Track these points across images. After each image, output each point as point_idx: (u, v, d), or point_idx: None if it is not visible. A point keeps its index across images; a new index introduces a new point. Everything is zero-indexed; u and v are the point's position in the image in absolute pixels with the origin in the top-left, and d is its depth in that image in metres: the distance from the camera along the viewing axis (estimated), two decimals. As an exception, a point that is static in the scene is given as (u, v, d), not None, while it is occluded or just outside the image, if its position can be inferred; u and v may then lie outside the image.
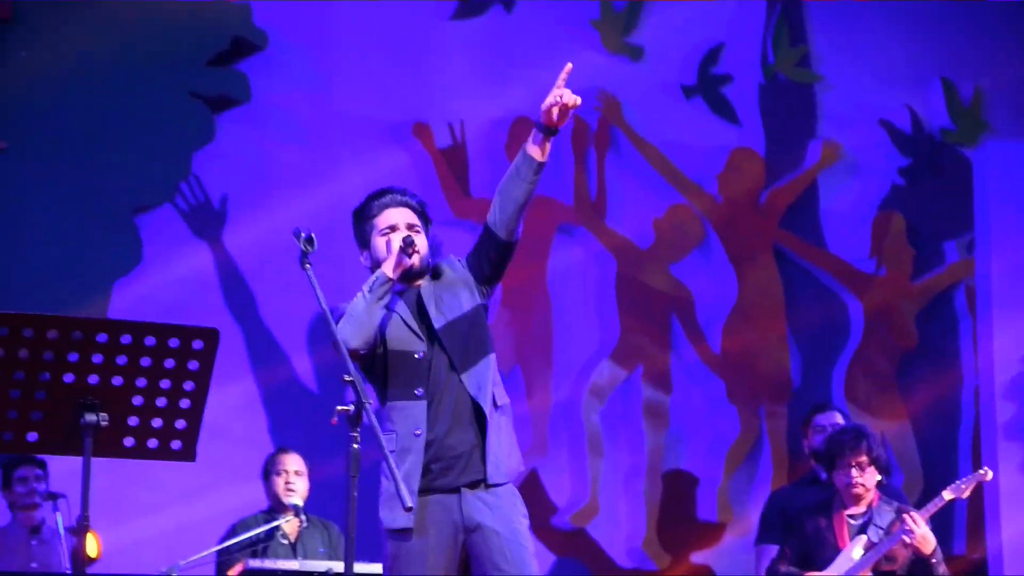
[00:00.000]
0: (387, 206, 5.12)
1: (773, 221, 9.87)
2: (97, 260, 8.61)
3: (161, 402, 4.67)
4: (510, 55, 9.50)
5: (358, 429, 4.69)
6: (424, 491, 4.88)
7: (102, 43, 8.67)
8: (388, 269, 4.93)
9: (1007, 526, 8.71)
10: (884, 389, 9.80)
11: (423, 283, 5.06)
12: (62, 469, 7.47)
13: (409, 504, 4.57)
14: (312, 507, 7.79)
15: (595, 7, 9.69)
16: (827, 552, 6.90)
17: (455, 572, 4.94)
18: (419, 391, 4.91)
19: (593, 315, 9.58)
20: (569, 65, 4.86)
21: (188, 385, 4.70)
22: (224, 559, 7.40)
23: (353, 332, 4.83)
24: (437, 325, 4.95)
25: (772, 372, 9.74)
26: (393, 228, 5.06)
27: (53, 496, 7.54)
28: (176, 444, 4.72)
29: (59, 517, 7.48)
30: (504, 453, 4.94)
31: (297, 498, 7.57)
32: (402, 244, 4.94)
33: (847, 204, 9.95)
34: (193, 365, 4.68)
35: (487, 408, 4.91)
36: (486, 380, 4.95)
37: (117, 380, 4.60)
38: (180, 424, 4.71)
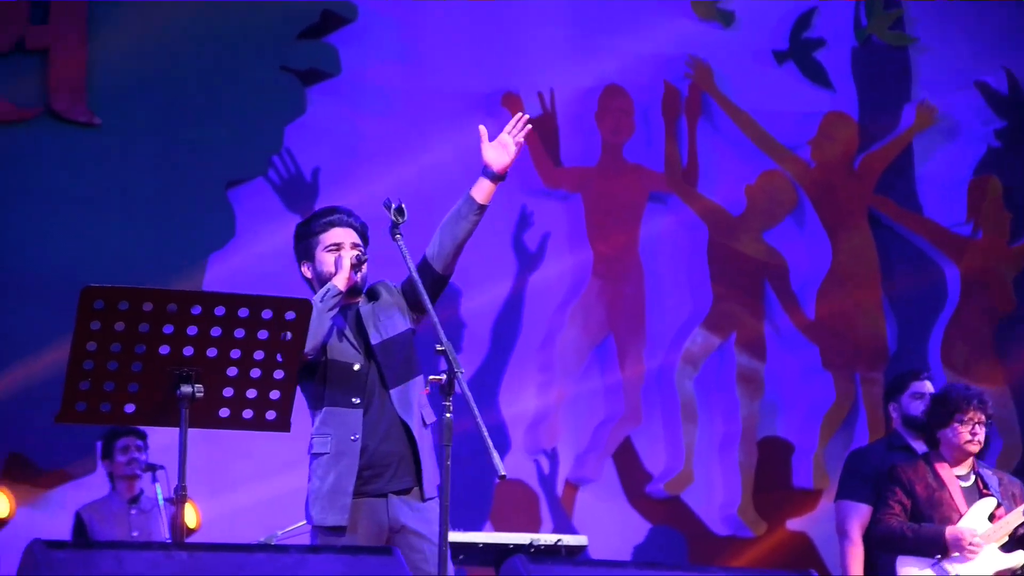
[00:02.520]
0: (333, 224, 5.34)
1: (868, 186, 9.79)
2: (191, 234, 8.68)
3: (255, 373, 4.72)
4: (600, 23, 9.47)
5: (451, 398, 4.72)
6: (356, 494, 5.07)
7: (194, 18, 8.73)
8: (340, 282, 5.16)
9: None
10: (982, 353, 9.70)
11: (361, 301, 5.29)
12: (160, 441, 7.55)
13: (503, 472, 4.59)
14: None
15: (685, -26, 9.64)
16: (942, 511, 6.80)
17: None
18: (356, 399, 5.11)
19: (685, 283, 9.55)
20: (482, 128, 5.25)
21: (281, 356, 4.74)
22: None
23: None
24: (374, 341, 5.18)
25: (868, 338, 9.68)
26: (339, 246, 5.28)
27: (152, 467, 7.62)
28: (270, 414, 4.77)
29: (158, 488, 7.56)
30: (433, 469, 5.16)
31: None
32: (354, 261, 5.19)
33: (943, 168, 9.85)
34: (286, 336, 4.73)
35: (414, 424, 5.13)
36: (413, 399, 5.18)
37: (212, 351, 4.65)
38: (274, 394, 4.76)
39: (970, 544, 6.65)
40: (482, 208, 5.28)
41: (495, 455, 4.63)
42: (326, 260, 5.27)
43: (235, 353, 4.68)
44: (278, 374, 4.74)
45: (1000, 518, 6.75)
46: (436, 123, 9.17)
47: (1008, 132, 9.91)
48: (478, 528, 8.70)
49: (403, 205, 5.07)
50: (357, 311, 5.25)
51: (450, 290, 9.06)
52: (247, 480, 8.46)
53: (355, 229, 5.34)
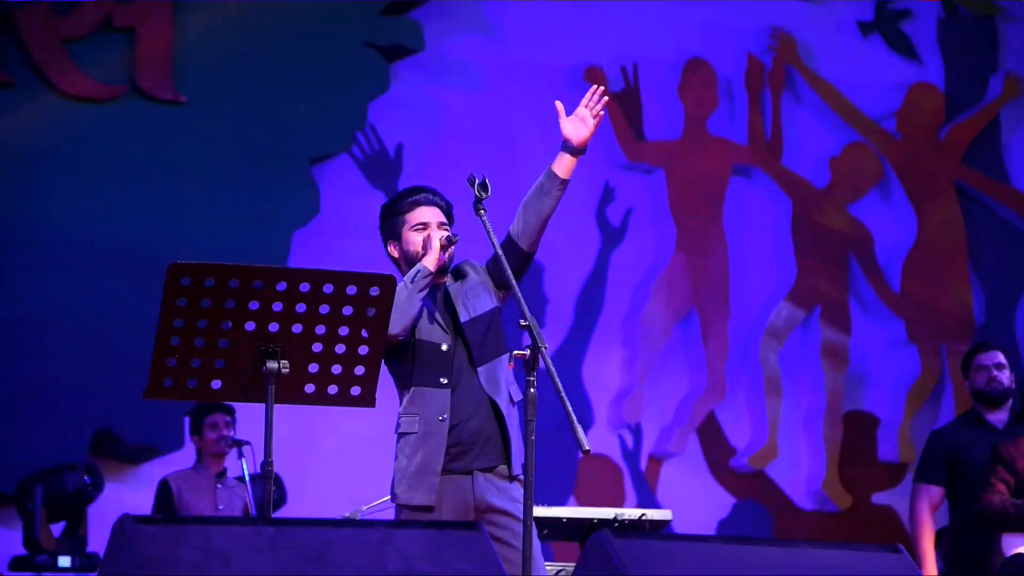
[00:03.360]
0: (419, 204, 5.30)
1: (954, 158, 9.70)
2: (276, 211, 8.74)
3: (340, 349, 4.73)
4: (683, -4, 9.45)
5: (534, 373, 4.72)
6: (443, 471, 5.08)
7: (277, -5, 8.79)
8: (430, 263, 5.13)
9: None
10: (1072, 325, 9.62)
11: (447, 281, 5.28)
12: (246, 417, 7.61)
13: (587, 447, 4.60)
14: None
15: (772, -54, 9.58)
16: None
17: None
18: (444, 379, 5.11)
19: (770, 256, 9.51)
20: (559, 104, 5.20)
21: (366, 332, 4.75)
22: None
23: (395, 319, 4.98)
24: (463, 320, 5.17)
25: (954, 311, 9.60)
26: (425, 225, 5.24)
27: (238, 443, 7.69)
28: (355, 390, 4.78)
29: (244, 463, 7.62)
30: (520, 447, 5.15)
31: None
32: (444, 242, 5.17)
33: (1032, 139, 9.76)
34: (371, 312, 4.74)
35: (502, 402, 5.13)
36: (501, 377, 5.18)
37: (297, 328, 4.67)
38: (359, 370, 4.77)
39: None
40: (564, 183, 5.27)
41: (579, 430, 4.62)
42: (413, 240, 5.25)
43: (320, 329, 4.69)
44: (363, 350, 4.75)
45: None
46: (519, 98, 9.18)
47: (1099, 102, 9.79)
48: (562, 503, 8.71)
49: (487, 180, 5.04)
50: (445, 290, 5.25)
51: (534, 266, 9.00)
52: (333, 456, 8.52)
53: (441, 208, 5.31)
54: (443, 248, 5.17)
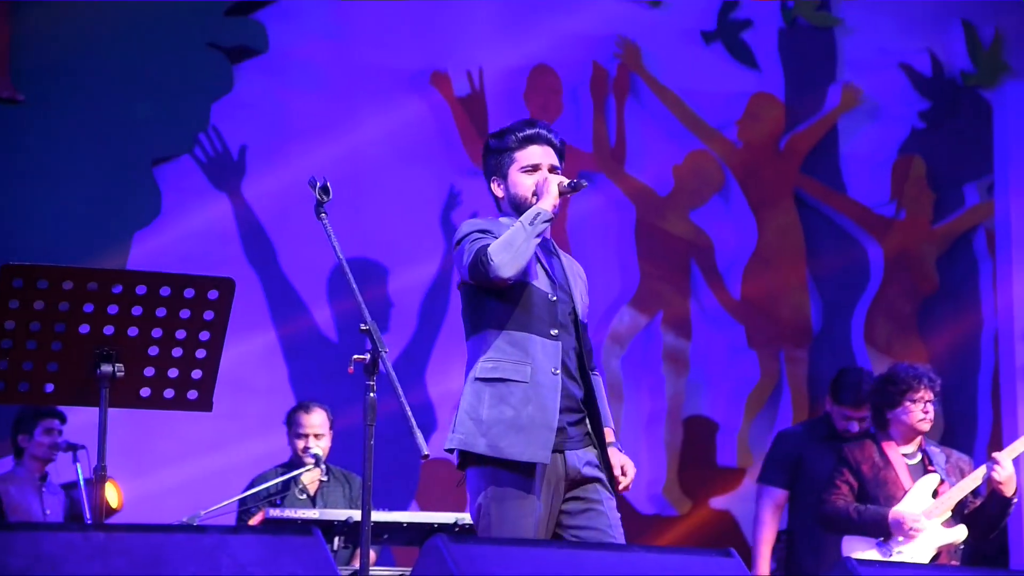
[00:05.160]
0: (532, 141, 5.04)
1: (793, 166, 9.84)
2: (116, 212, 8.62)
3: (177, 352, 4.70)
4: (529, 2, 9.47)
5: (374, 377, 4.70)
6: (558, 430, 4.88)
7: (120, -6, 8.68)
8: (548, 206, 4.89)
9: (1025, 469, 8.71)
10: (904, 332, 9.78)
11: (566, 257, 5.16)
12: (81, 421, 7.50)
13: (426, 452, 4.59)
14: (335, 458, 7.81)
15: (614, -47, 9.65)
16: (888, 490, 6.87)
17: (551, 524, 4.95)
18: (554, 331, 4.93)
19: (613, 262, 9.58)
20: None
21: (204, 335, 4.72)
22: (244, 509, 7.43)
23: (509, 261, 4.80)
24: (581, 316, 5.02)
25: (792, 317, 9.74)
26: (536, 167, 5.00)
27: (73, 447, 7.57)
28: (192, 394, 4.75)
29: (79, 468, 7.51)
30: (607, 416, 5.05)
31: (317, 449, 7.56)
32: (567, 188, 4.93)
33: (867, 148, 9.91)
34: (208, 315, 4.71)
35: (588, 362, 5.00)
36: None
37: (133, 331, 4.63)
38: (196, 374, 4.74)
39: (910, 528, 6.72)
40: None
41: (418, 435, 4.62)
42: (522, 182, 5.01)
43: (156, 332, 4.65)
44: (200, 353, 4.72)
45: (943, 494, 6.83)
46: (364, 101, 9.15)
47: (931, 113, 9.98)
48: (404, 508, 8.71)
49: (328, 184, 4.93)
50: (555, 248, 5.10)
51: (378, 269, 9.06)
52: (172, 461, 8.43)
53: (555, 148, 5.07)
54: (562, 194, 4.94)
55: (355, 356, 4.73)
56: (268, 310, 8.90)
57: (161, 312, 4.65)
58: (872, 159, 9.89)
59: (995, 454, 6.76)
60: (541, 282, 4.94)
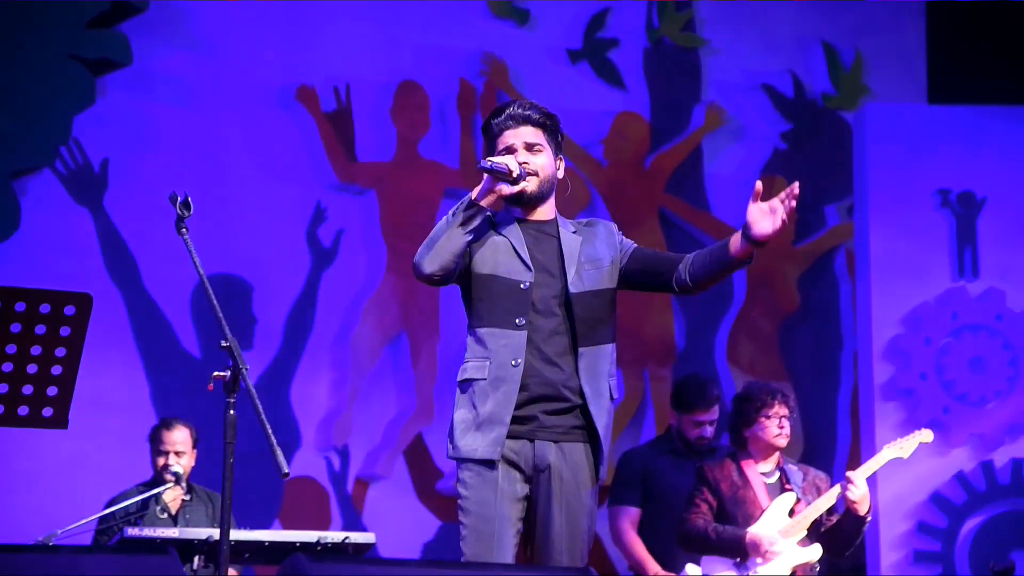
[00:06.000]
0: (505, 127, 4.86)
1: (658, 185, 9.91)
2: (-27, 226, 8.49)
3: (32, 369, 4.62)
4: (396, 18, 9.46)
5: (234, 395, 4.66)
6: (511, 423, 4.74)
7: (-22, 4, 8.54)
8: (474, 193, 4.73)
9: (883, 486, 8.82)
10: (766, 352, 9.89)
11: (559, 219, 4.91)
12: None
13: (285, 471, 4.54)
14: (196, 475, 7.74)
15: (482, -30, 9.68)
16: (746, 509, 6.93)
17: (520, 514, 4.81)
18: (519, 320, 4.75)
19: (479, 279, 9.57)
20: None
21: (60, 351, 4.65)
22: (103, 529, 7.33)
23: (430, 257, 4.66)
24: (572, 289, 4.81)
25: (656, 336, 9.80)
26: (510, 149, 4.83)
27: (-74, 465, 7.44)
28: (47, 411, 4.68)
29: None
30: (606, 451, 4.95)
31: (177, 467, 7.49)
32: (481, 166, 4.74)
33: (731, 168, 10.01)
34: (65, 331, 4.64)
35: (593, 393, 4.86)
36: (603, 368, 4.87)
37: (-14, 346, 4.55)
38: (51, 391, 4.66)
39: (767, 551, 6.78)
40: (739, 263, 4.91)
41: (278, 453, 4.58)
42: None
43: (10, 348, 4.58)
44: (56, 370, 4.65)
45: (799, 512, 6.90)
46: (229, 116, 9.09)
47: (793, 134, 10.11)
48: (267, 526, 8.65)
49: (188, 199, 4.85)
50: (558, 231, 4.87)
51: (241, 285, 8.99)
52: (29, 479, 8.30)
53: (533, 124, 4.85)
54: (499, 179, 4.71)
55: (215, 373, 4.68)
56: (130, 326, 8.80)
57: (16, 328, 4.58)
58: (735, 179, 9.99)
59: (849, 473, 6.85)
60: (510, 270, 4.77)
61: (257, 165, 9.16)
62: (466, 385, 4.81)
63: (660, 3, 9.97)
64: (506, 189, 4.76)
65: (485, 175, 4.77)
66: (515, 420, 4.73)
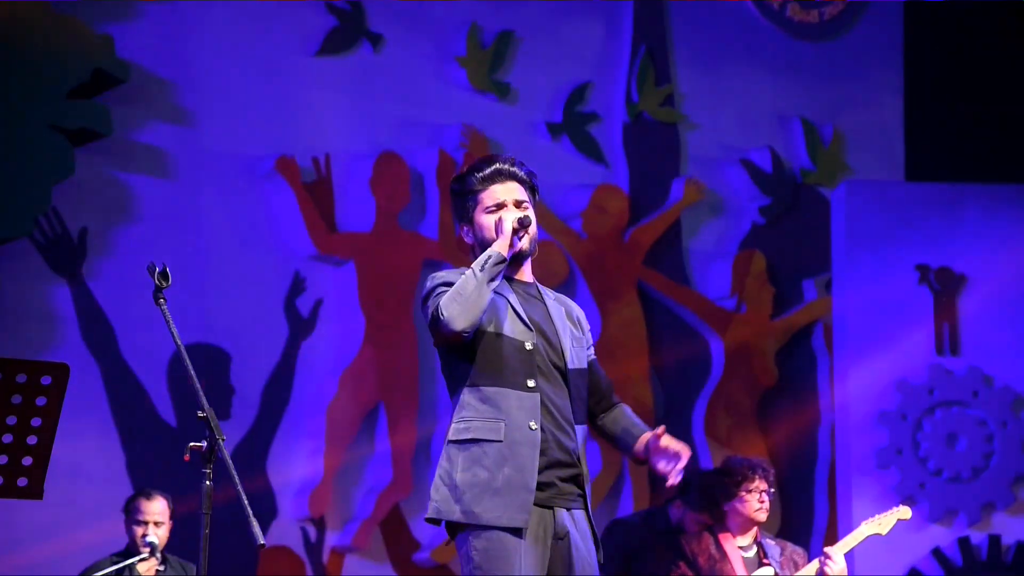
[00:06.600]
0: (493, 180, 4.77)
1: (637, 259, 9.94)
2: (-49, 295, 8.47)
3: (7, 438, 4.59)
4: (376, 90, 9.50)
5: (211, 465, 4.64)
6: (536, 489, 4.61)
7: (-41, 73, 8.55)
8: (503, 248, 4.63)
9: (860, 562, 8.81)
10: (744, 425, 9.89)
11: (538, 284, 4.86)
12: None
13: (261, 541, 4.51)
14: (172, 545, 7.69)
15: (462, 44, 9.72)
16: None
17: None
18: (531, 383, 4.64)
19: (457, 352, 9.56)
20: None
21: (36, 421, 4.63)
22: (76, 601, 7.28)
23: (460, 313, 4.54)
24: (570, 365, 4.75)
25: (634, 409, 9.64)
26: (500, 206, 4.73)
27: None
28: (22, 481, 4.64)
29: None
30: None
31: (154, 537, 7.44)
32: (516, 224, 4.65)
33: (709, 242, 10.05)
34: (41, 401, 4.61)
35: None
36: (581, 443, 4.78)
37: (-39, 416, 4.53)
38: (27, 461, 4.63)
39: None
40: (634, 459, 4.86)
41: (254, 524, 4.56)
42: (487, 224, 4.71)
43: (-14, 418, 4.56)
44: (31, 440, 4.62)
45: None
46: (209, 186, 9.10)
47: (771, 209, 10.15)
48: (242, 597, 8.60)
49: (167, 269, 4.81)
50: (539, 292, 4.81)
51: (219, 355, 8.97)
52: (3, 549, 8.24)
53: (519, 181, 4.78)
54: (515, 232, 4.66)
55: (191, 444, 4.65)
56: (105, 396, 8.76)
57: (-8, 397, 4.56)
58: (714, 253, 10.03)
59: (827, 549, 6.86)
60: (514, 330, 4.67)
61: (236, 235, 9.16)
62: (470, 445, 4.63)
63: (640, 78, 10.03)
64: (523, 245, 4.72)
65: (508, 230, 4.68)
66: (536, 487, 4.60)
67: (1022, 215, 9.45)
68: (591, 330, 5.09)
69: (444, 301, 4.61)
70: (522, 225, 4.66)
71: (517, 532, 4.52)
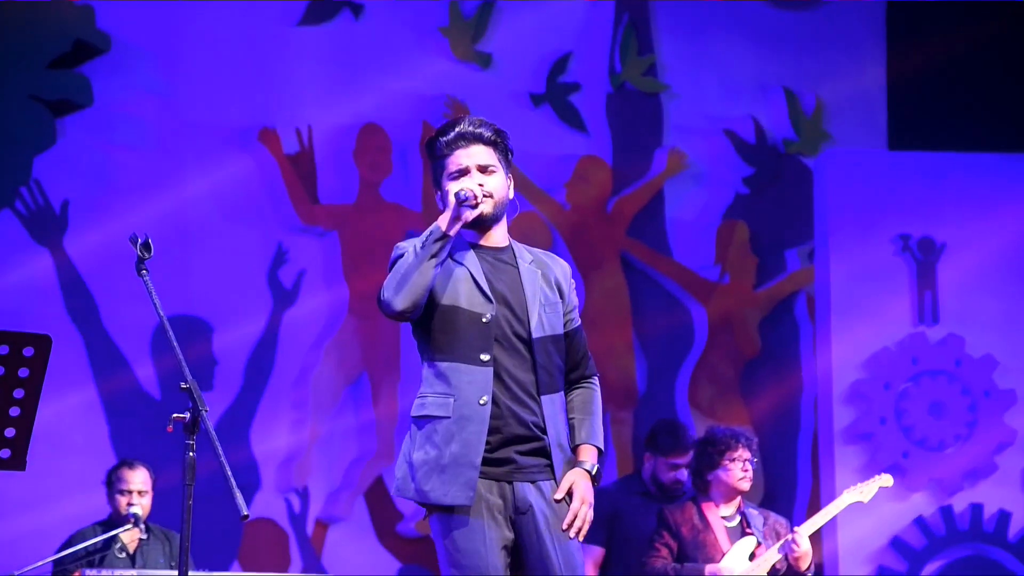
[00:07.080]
0: (456, 145, 4.56)
1: (620, 229, 9.94)
2: (-67, 266, 8.46)
3: (-11, 410, 4.60)
4: (358, 61, 9.48)
5: (194, 437, 4.64)
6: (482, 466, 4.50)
7: (-61, 44, 8.53)
8: (443, 223, 4.43)
9: (843, 531, 8.84)
10: (727, 395, 9.91)
11: (516, 247, 4.68)
12: None
13: (245, 513, 4.51)
14: (155, 516, 7.71)
15: (444, 14, 9.70)
16: (706, 552, 6.95)
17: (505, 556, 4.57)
18: (485, 356, 4.50)
19: (440, 322, 9.56)
20: None
21: (18, 392, 4.62)
22: (60, 570, 7.29)
23: (399, 293, 4.40)
24: (536, 334, 4.57)
25: (618, 379, 9.81)
26: (463, 172, 4.53)
27: None
28: (5, 452, 4.65)
29: None
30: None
31: (137, 508, 7.47)
32: (457, 198, 4.45)
33: (692, 212, 10.05)
34: (23, 372, 4.61)
35: (554, 435, 4.61)
36: (560, 414, 4.63)
37: (-56, 387, 4.52)
38: (9, 432, 4.63)
39: None
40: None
41: (238, 495, 4.55)
42: (450, 191, 4.51)
43: (-31, 390, 4.56)
44: (14, 411, 4.62)
45: (759, 556, 6.93)
46: (191, 157, 9.09)
47: (754, 179, 10.15)
48: (226, 568, 8.61)
49: (149, 240, 4.74)
50: (514, 260, 4.62)
51: (202, 326, 8.97)
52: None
53: (485, 142, 4.56)
54: (461, 204, 4.46)
55: (174, 415, 4.63)
56: (89, 367, 8.77)
57: (-27, 369, 4.56)
58: (697, 223, 10.03)
59: (795, 528, 6.92)
60: (472, 302, 4.52)
61: (218, 206, 9.15)
62: (424, 422, 4.55)
63: (622, 48, 10.02)
64: (469, 215, 4.53)
65: (453, 203, 4.50)
66: (489, 463, 4.50)
67: (1004, 184, 9.46)
68: (576, 300, 4.98)
69: (387, 282, 4.51)
70: (461, 199, 4.47)
71: (472, 510, 4.45)
